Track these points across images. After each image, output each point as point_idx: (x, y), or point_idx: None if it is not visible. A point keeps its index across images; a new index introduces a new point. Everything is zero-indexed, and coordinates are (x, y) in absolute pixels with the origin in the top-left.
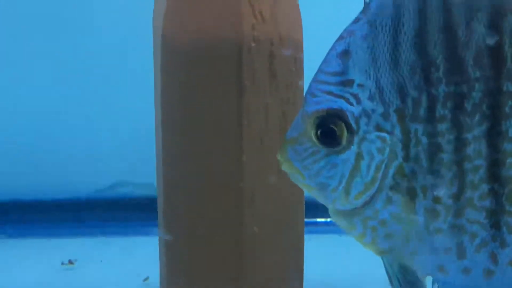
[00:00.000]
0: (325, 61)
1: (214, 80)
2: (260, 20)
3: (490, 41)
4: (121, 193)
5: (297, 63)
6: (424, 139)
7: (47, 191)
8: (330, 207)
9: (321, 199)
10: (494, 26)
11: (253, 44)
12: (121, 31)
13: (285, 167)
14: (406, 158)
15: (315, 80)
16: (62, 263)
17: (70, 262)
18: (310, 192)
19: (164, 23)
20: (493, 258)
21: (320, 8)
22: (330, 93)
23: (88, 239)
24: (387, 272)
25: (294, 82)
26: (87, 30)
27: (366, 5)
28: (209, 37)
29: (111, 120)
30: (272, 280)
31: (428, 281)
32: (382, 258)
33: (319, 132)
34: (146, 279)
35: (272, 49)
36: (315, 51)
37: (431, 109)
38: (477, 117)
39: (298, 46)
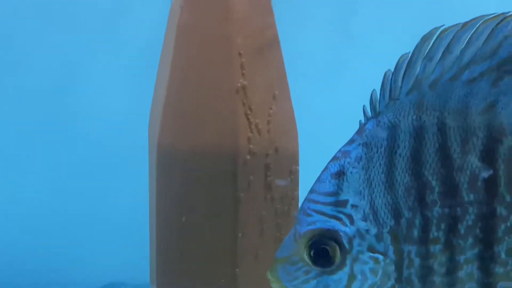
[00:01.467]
0: (318, 181)
1: (209, 192)
2: (256, 133)
3: (484, 174)
4: None
5: (292, 174)
6: (417, 261)
7: None
8: None
9: None
10: (489, 151)
11: (248, 157)
12: (117, 141)
13: (275, 287)
14: (399, 279)
15: (308, 199)
16: None
17: None
18: None
19: (159, 134)
20: None
21: (317, 119)
22: (323, 213)
23: None
24: None
25: (289, 194)
26: (80, 142)
27: (361, 126)
28: (205, 149)
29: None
30: None
31: None
32: None
33: (312, 252)
34: None
35: (267, 162)
36: (312, 164)
37: (424, 230)
38: (470, 240)
39: (293, 158)
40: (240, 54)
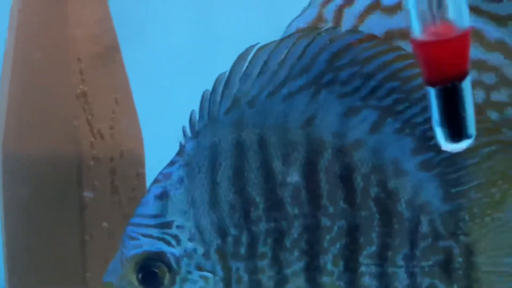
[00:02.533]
0: (142, 204)
1: (55, 198)
2: (99, 138)
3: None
4: None
5: (139, 177)
6: (245, 276)
7: None
8: None
9: None
10: (310, 164)
11: (91, 163)
12: None
13: None
14: None
15: (132, 223)
16: None
17: None
18: None
19: (3, 141)
20: None
21: (161, 122)
22: (149, 235)
23: None
24: None
25: (137, 197)
26: None
27: (182, 147)
28: (47, 155)
29: None
30: None
31: None
32: None
33: (140, 276)
34: None
35: (112, 166)
36: (160, 167)
37: (251, 246)
38: (296, 253)
39: (139, 161)
40: (79, 59)
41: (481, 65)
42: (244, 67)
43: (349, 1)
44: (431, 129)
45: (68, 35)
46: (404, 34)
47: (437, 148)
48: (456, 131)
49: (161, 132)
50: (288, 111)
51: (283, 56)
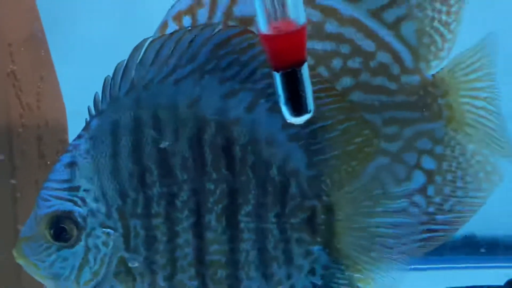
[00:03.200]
0: (53, 171)
1: None
2: (27, 110)
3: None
4: None
5: (63, 143)
6: (142, 232)
7: None
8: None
9: None
10: (196, 138)
11: (20, 130)
12: None
13: (20, 262)
14: (127, 249)
15: (45, 187)
16: None
17: None
18: (44, 282)
19: None
20: None
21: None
22: (59, 197)
23: None
24: None
25: None
26: None
27: (87, 123)
28: None
29: None
30: None
31: None
32: None
33: (52, 231)
34: None
35: (39, 133)
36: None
37: (147, 207)
38: (185, 213)
39: (63, 129)
40: (9, 44)
41: (338, 38)
42: (140, 56)
43: None
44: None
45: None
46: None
47: (303, 124)
48: (297, 108)
49: (84, 106)
50: (177, 93)
51: (172, 47)
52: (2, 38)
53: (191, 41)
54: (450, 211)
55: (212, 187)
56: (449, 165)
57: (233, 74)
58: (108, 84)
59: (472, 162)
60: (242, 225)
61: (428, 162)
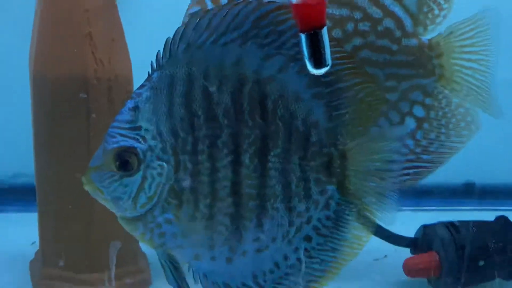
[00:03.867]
0: (120, 113)
1: (71, 108)
2: (100, 65)
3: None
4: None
5: (128, 93)
6: (189, 166)
7: None
8: (119, 215)
9: (114, 210)
10: (238, 91)
11: (95, 82)
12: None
13: (87, 188)
14: (177, 179)
15: (112, 126)
16: None
17: None
18: (107, 204)
19: (34, 64)
20: (232, 250)
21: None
22: (124, 135)
23: None
24: (159, 261)
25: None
26: None
27: (149, 75)
28: (66, 77)
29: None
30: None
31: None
32: (156, 251)
33: (117, 162)
34: (33, 242)
35: (110, 85)
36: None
37: (194, 145)
38: (225, 151)
39: (129, 81)
40: (86, 10)
41: (352, 5)
42: (196, 23)
43: None
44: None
45: None
46: None
47: (325, 85)
48: (318, 62)
49: (146, 63)
50: (224, 54)
51: (222, 17)
52: (80, 5)
53: (237, 13)
54: (433, 152)
55: (247, 132)
56: (436, 114)
57: (269, 42)
58: (169, 44)
59: (455, 113)
60: (270, 164)
61: (418, 111)
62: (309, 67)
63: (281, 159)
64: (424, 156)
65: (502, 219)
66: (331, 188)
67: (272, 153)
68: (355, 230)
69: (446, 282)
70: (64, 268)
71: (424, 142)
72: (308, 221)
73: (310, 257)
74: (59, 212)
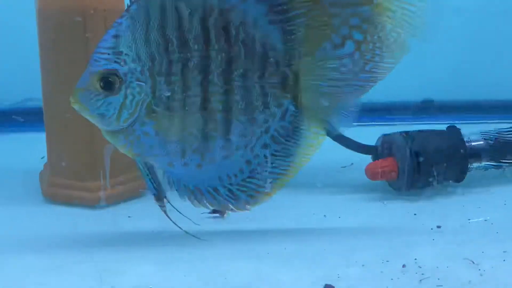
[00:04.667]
0: (102, 40)
1: (71, 34)
2: None
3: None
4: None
5: None
6: (164, 86)
7: None
8: (104, 128)
9: (99, 124)
10: (204, 18)
11: (92, 11)
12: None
13: (75, 106)
14: (154, 97)
15: (96, 52)
16: None
17: None
18: (93, 120)
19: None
20: (202, 157)
21: None
22: (107, 59)
23: None
24: (139, 168)
25: None
26: None
27: (128, 7)
28: (66, 8)
29: None
30: None
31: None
32: (135, 159)
33: (101, 83)
34: (42, 157)
35: (105, 15)
36: None
37: (168, 68)
38: (195, 72)
39: (121, 12)
40: None
41: None
42: None
43: None
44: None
45: None
46: None
47: (280, 12)
48: None
49: None
50: None
51: None
52: None
53: None
54: (369, 71)
55: (214, 55)
56: (372, 38)
57: None
58: None
59: (388, 37)
60: (234, 83)
61: (357, 35)
62: None
63: (243, 77)
64: (362, 75)
65: (452, 128)
66: (286, 102)
67: (235, 73)
68: (308, 139)
69: (403, 183)
70: (68, 176)
71: (361, 62)
72: (267, 131)
73: (268, 162)
74: (64, 128)
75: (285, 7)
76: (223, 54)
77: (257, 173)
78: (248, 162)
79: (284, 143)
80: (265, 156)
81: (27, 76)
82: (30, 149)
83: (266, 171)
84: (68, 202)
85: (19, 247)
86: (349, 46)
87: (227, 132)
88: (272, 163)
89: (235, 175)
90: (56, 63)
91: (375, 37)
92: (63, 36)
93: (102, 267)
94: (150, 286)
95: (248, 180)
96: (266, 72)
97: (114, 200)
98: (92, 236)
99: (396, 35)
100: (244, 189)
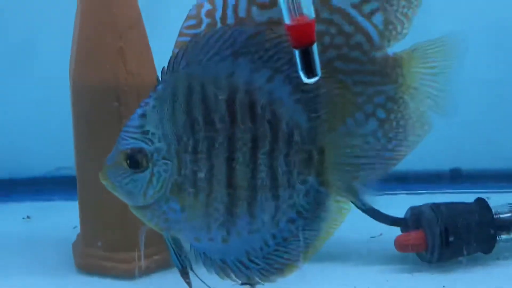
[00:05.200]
0: (130, 119)
1: (105, 110)
2: (130, 75)
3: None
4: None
5: None
6: (189, 164)
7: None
8: (131, 204)
9: (126, 200)
10: (231, 100)
11: (126, 88)
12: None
13: (104, 182)
14: (179, 174)
15: (124, 130)
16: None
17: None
18: (120, 196)
19: (73, 72)
20: (227, 232)
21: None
22: (134, 138)
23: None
24: (166, 240)
25: None
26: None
27: (155, 87)
28: (100, 86)
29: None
30: None
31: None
32: (162, 232)
33: (128, 161)
34: (75, 227)
35: (138, 90)
36: None
37: (194, 147)
38: (221, 151)
39: (153, 87)
40: (118, 26)
41: (329, 22)
42: (195, 44)
43: (236, 2)
44: (301, 80)
45: (113, 14)
46: (278, 22)
47: (305, 91)
48: (309, 73)
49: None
50: (219, 69)
51: (218, 37)
52: (113, 22)
53: (231, 34)
54: (392, 150)
55: (240, 134)
56: (395, 116)
57: (258, 57)
58: (172, 61)
59: (412, 115)
60: (259, 161)
61: (380, 113)
62: (302, 77)
63: (268, 156)
64: (385, 153)
65: (480, 201)
66: (311, 179)
67: (261, 151)
68: (332, 213)
69: (432, 255)
70: (102, 248)
71: (383, 141)
72: (292, 207)
73: (294, 236)
74: (97, 199)
75: (309, 87)
76: (249, 134)
77: (284, 246)
78: (274, 236)
79: (309, 218)
80: (290, 231)
81: (60, 144)
82: (63, 217)
83: (291, 244)
84: (103, 273)
85: None
86: (372, 124)
87: (252, 208)
88: (297, 237)
89: (261, 249)
90: (89, 134)
91: (399, 115)
92: (96, 109)
93: None
94: None
95: (273, 253)
96: (290, 150)
97: (149, 271)
98: None
99: (419, 113)
100: (271, 262)
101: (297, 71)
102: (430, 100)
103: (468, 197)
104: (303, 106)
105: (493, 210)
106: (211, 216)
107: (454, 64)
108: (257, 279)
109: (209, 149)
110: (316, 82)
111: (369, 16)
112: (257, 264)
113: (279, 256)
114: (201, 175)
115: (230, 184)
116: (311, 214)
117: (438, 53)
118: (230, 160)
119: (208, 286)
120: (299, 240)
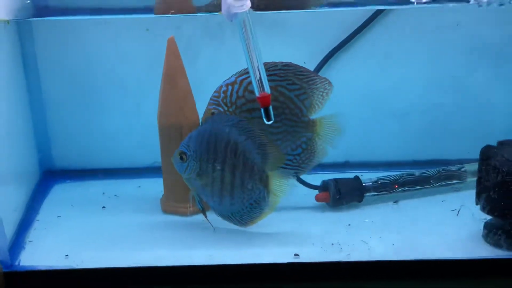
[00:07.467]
0: (183, 140)
1: (173, 135)
2: (187, 117)
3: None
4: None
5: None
6: (204, 165)
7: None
8: (183, 176)
9: (180, 174)
10: (224, 149)
11: (184, 125)
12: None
13: (173, 163)
14: (200, 169)
15: (180, 145)
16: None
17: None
18: (178, 171)
19: (159, 116)
20: (220, 201)
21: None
22: (184, 146)
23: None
24: (195, 196)
25: None
26: None
27: (197, 127)
28: (173, 125)
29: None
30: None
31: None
32: (193, 193)
33: (179, 156)
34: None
35: (189, 126)
36: None
37: (207, 159)
38: (218, 166)
39: (196, 123)
40: (182, 90)
41: (276, 99)
42: (216, 114)
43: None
44: (261, 141)
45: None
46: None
47: (259, 146)
48: (268, 119)
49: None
50: (219, 134)
51: (227, 117)
52: (179, 87)
53: (232, 117)
54: (306, 164)
55: (228, 160)
56: (309, 149)
57: (241, 129)
58: (204, 120)
59: (318, 148)
60: (236, 173)
61: (304, 145)
62: (265, 120)
63: (241, 173)
64: (303, 165)
65: (356, 177)
66: (261, 188)
67: (236, 173)
68: (271, 203)
69: (333, 204)
70: (174, 201)
71: (301, 161)
72: (249, 199)
73: (251, 209)
74: (171, 177)
75: (261, 142)
76: (231, 161)
77: (250, 210)
78: (244, 205)
79: (257, 205)
80: (252, 204)
81: (155, 150)
82: (156, 187)
83: (249, 212)
84: (174, 213)
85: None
86: (298, 151)
87: (232, 194)
88: (252, 210)
89: (238, 211)
90: (167, 146)
91: (312, 148)
92: (170, 135)
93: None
94: None
95: (245, 213)
96: (251, 173)
97: (193, 213)
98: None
99: (322, 147)
100: (244, 217)
101: (259, 134)
102: (327, 139)
103: (351, 175)
104: (259, 152)
105: (362, 181)
106: (213, 192)
107: (338, 126)
108: (238, 224)
109: (213, 162)
110: (264, 147)
111: (302, 101)
112: (237, 217)
113: (248, 215)
114: (209, 171)
115: (222, 181)
116: (258, 203)
117: (332, 120)
118: (222, 170)
119: (210, 222)
120: (253, 212)
